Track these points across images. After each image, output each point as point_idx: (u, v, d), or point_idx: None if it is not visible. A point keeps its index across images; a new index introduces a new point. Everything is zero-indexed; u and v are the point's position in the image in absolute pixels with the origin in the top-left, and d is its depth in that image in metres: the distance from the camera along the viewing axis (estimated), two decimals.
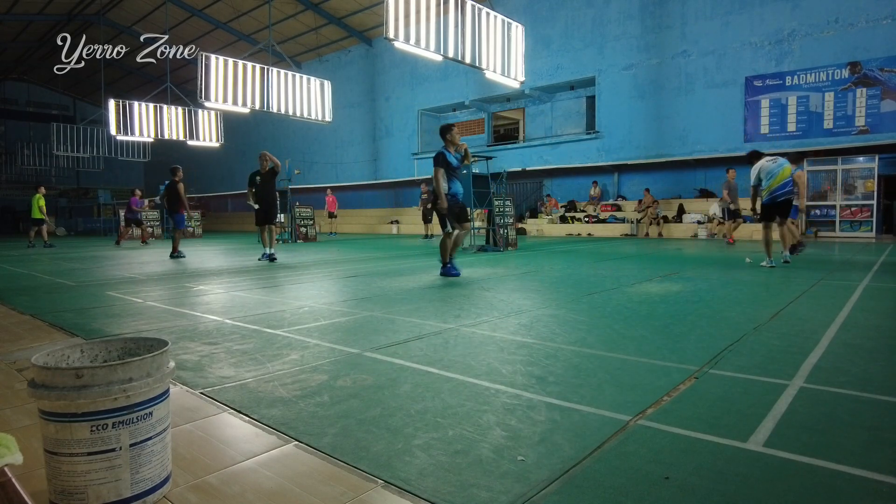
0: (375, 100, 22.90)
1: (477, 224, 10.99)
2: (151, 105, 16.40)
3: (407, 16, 8.47)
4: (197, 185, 31.28)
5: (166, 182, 18.99)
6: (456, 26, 9.22)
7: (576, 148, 17.33)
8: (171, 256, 9.39)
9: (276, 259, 8.66)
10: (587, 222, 16.59)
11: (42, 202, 14.50)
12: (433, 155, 6.28)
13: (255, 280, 6.17)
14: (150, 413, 1.32)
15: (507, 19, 10.38)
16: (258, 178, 8.82)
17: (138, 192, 15.58)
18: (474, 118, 20.91)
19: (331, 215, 19.63)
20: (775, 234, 7.25)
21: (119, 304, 4.49)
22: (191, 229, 19.27)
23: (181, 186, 9.56)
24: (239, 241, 15.72)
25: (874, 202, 12.67)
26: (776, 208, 7.05)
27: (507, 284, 5.45)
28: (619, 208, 16.78)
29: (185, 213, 9.76)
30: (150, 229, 17.38)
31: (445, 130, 6.30)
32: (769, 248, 6.89)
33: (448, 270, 6.08)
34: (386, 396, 2.12)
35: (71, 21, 22.33)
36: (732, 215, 11.08)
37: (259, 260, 8.73)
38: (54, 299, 4.80)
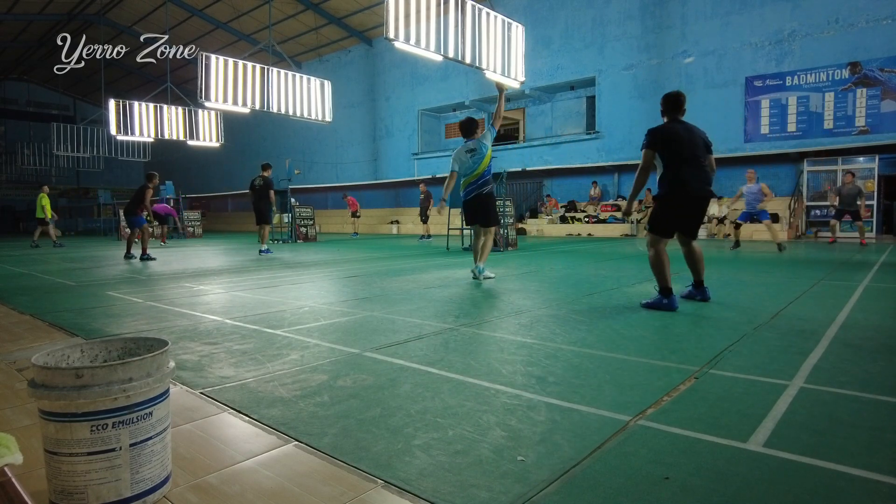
0: (375, 100, 22.91)
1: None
2: (151, 105, 16.39)
3: (407, 16, 8.46)
4: (197, 185, 31.31)
5: (167, 183, 18.87)
6: (456, 26, 9.22)
7: (576, 148, 17.34)
8: (142, 258, 9.16)
9: (263, 252, 10.06)
10: (587, 222, 16.59)
11: (46, 201, 14.43)
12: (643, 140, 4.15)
13: (255, 280, 6.17)
14: (150, 413, 1.32)
15: (507, 19, 10.37)
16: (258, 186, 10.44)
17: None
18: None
19: (353, 215, 18.93)
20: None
21: (119, 304, 4.49)
22: (191, 229, 19.26)
23: (149, 193, 9.38)
24: (239, 241, 15.72)
25: (874, 202, 12.67)
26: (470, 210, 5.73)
27: (507, 284, 5.45)
28: (619, 208, 16.77)
29: (143, 215, 9.54)
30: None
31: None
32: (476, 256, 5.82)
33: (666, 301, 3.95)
34: (386, 396, 2.12)
35: (71, 21, 22.35)
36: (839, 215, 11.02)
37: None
38: (54, 299, 4.80)
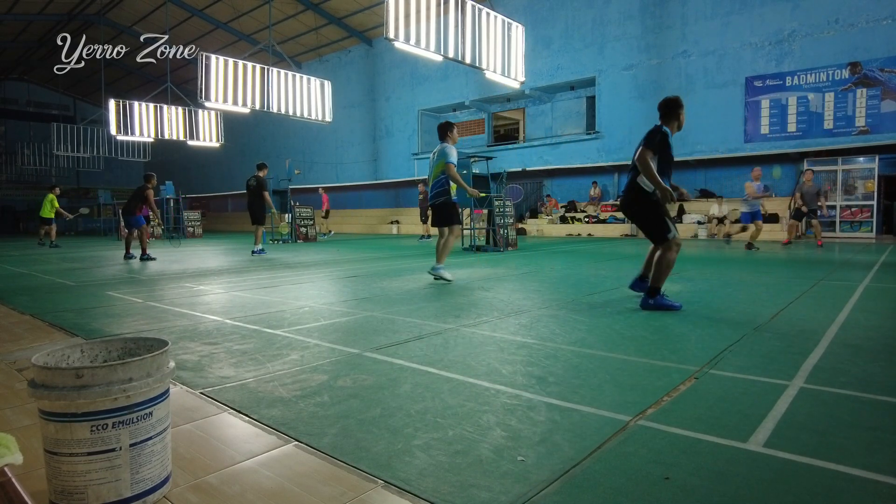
0: (375, 100, 22.90)
1: (477, 224, 10.99)
2: (151, 105, 16.39)
3: (407, 16, 8.47)
4: (197, 185, 31.31)
5: (167, 184, 18.80)
6: (456, 26, 9.22)
7: (576, 148, 17.33)
8: (141, 258, 9.22)
9: (256, 252, 9.99)
10: (587, 223, 16.59)
11: (55, 202, 14.52)
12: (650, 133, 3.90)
13: (255, 280, 6.17)
14: (150, 413, 1.32)
15: (507, 19, 10.38)
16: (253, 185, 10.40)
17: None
18: (474, 118, 20.90)
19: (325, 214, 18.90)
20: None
21: (119, 304, 4.49)
22: (191, 229, 19.27)
23: (150, 193, 9.33)
24: (239, 241, 15.71)
25: (874, 202, 12.67)
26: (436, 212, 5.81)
27: (507, 284, 5.45)
28: (619, 208, 16.77)
29: (142, 216, 9.52)
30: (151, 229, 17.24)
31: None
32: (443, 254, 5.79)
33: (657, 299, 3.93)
34: (386, 396, 2.12)
35: (71, 21, 22.33)
36: (797, 215, 10.87)
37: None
38: (54, 299, 4.80)
